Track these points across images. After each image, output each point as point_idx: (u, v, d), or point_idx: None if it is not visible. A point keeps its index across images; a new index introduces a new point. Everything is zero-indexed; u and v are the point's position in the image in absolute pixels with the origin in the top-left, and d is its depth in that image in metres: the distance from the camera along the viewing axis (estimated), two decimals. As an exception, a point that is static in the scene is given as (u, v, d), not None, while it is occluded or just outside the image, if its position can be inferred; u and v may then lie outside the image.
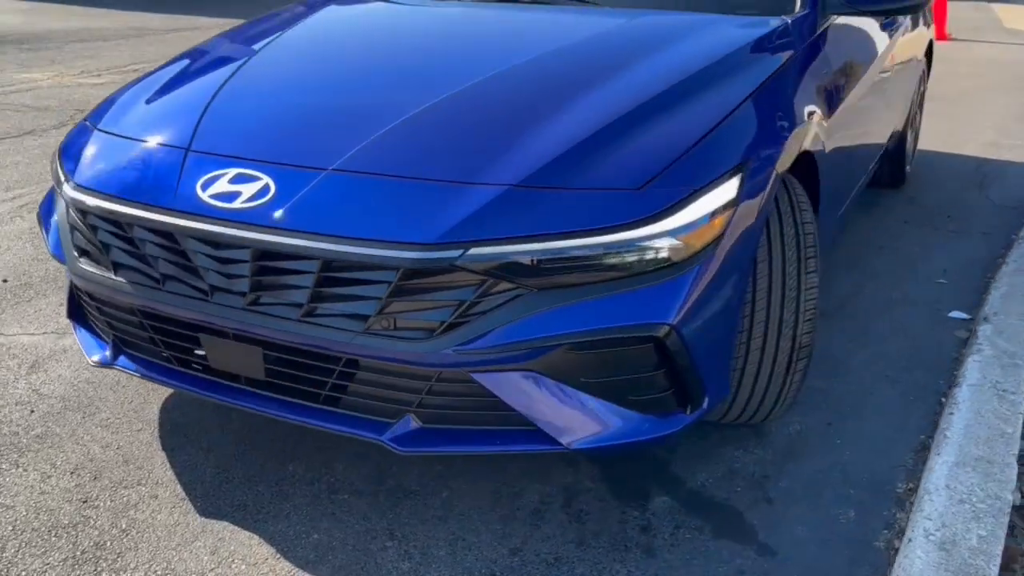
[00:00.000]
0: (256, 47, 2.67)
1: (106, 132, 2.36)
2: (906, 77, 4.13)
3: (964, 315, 3.29)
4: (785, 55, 2.47)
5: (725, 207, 1.98)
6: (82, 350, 2.46)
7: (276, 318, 1.95)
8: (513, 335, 1.84)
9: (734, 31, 2.53)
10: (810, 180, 2.57)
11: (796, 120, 2.32)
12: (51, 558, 2.03)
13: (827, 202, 2.73)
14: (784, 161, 2.19)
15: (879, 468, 2.36)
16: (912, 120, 4.68)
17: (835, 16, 2.86)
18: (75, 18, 12.28)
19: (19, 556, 2.02)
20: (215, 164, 2.08)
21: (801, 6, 2.72)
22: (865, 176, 3.66)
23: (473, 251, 1.81)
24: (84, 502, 2.23)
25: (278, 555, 2.05)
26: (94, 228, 2.19)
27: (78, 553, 2.05)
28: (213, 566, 2.01)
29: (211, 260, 2.00)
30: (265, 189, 1.98)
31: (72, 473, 2.34)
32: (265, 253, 1.93)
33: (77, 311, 2.46)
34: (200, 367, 2.19)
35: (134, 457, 2.41)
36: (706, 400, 2.08)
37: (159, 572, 2.00)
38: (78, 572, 1.99)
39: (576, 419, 1.94)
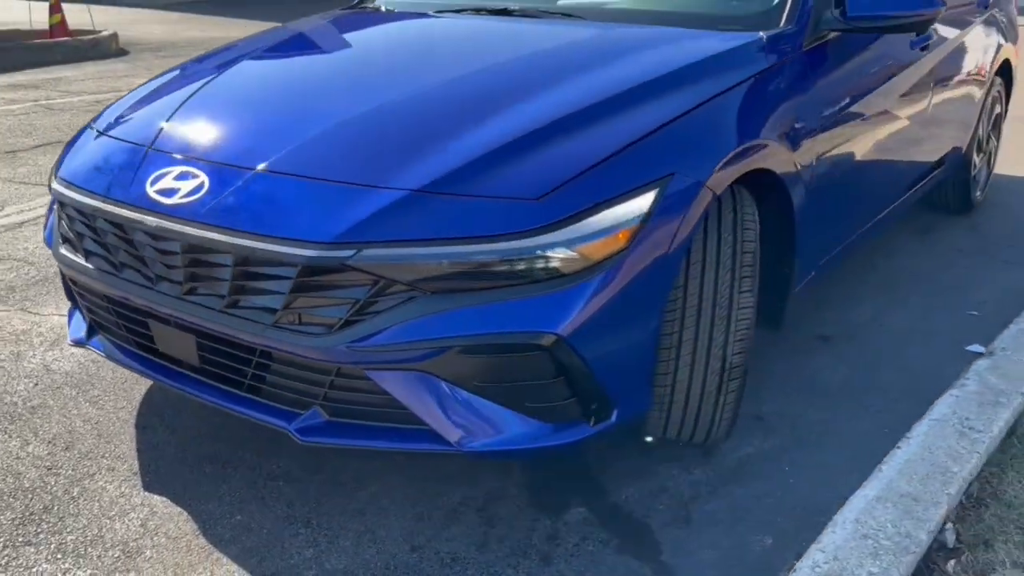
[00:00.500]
0: (232, 61, 2.82)
1: (96, 131, 2.55)
2: (961, 97, 3.94)
3: (982, 349, 3.12)
4: (747, 71, 2.42)
5: (633, 221, 1.98)
6: (68, 330, 2.65)
7: (204, 308, 2.07)
8: (405, 335, 1.90)
9: (696, 46, 2.50)
10: (783, 203, 2.52)
11: (746, 139, 2.28)
12: (2, 517, 2.21)
13: (809, 227, 2.65)
14: (721, 180, 2.16)
15: (819, 499, 2.28)
16: (979, 143, 4.44)
17: (832, 33, 2.77)
18: (215, 28, 13.06)
19: (-26, 512, 2.23)
20: (165, 162, 2.23)
21: (786, 22, 2.65)
22: (893, 204, 3.51)
23: (366, 252, 1.88)
24: (49, 469, 2.42)
25: (199, 532, 2.17)
26: (71, 218, 2.38)
27: (27, 514, 2.23)
28: (138, 536, 2.15)
29: (154, 251, 2.14)
30: (200, 186, 2.11)
31: (49, 442, 2.54)
32: (192, 246, 2.05)
33: (71, 294, 2.66)
34: (152, 351, 2.34)
35: (107, 432, 2.59)
36: (615, 413, 2.08)
37: (90, 537, 2.15)
38: (22, 531, 2.17)
39: (469, 422, 1.98)
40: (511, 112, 2.17)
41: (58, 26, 10.59)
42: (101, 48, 10.26)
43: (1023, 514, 2.21)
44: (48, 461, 2.45)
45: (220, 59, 2.86)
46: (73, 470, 2.41)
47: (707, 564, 2.05)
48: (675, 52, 2.47)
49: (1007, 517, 2.19)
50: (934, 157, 3.83)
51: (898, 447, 2.30)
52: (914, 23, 2.74)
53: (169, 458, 2.48)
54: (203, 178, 2.13)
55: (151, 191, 2.16)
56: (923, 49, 3.36)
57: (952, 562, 2.02)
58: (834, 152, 2.76)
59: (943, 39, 3.59)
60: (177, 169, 2.19)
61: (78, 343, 2.53)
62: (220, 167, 2.14)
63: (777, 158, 2.43)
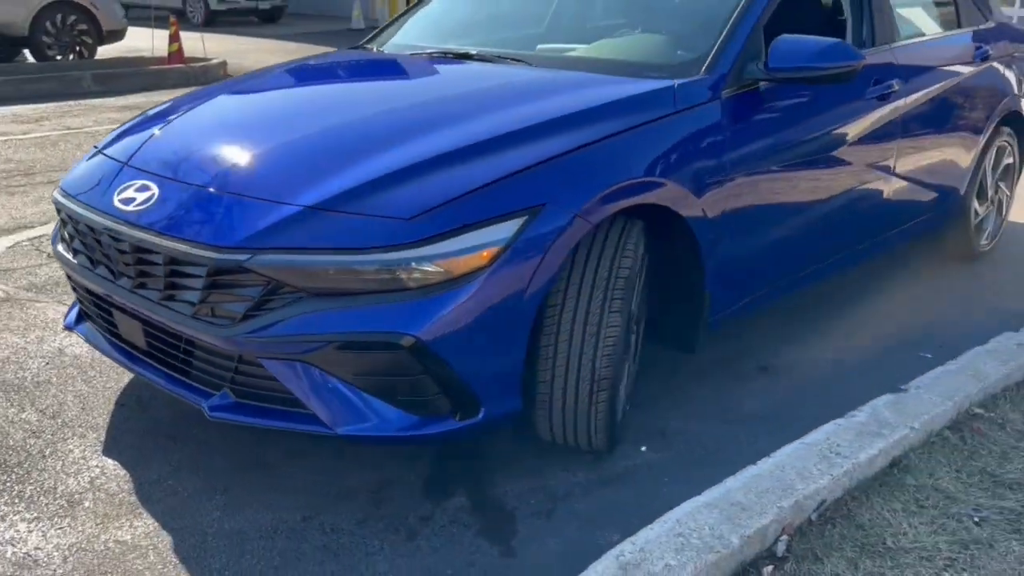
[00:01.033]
0: (213, 92, 3.24)
1: (97, 149, 3.00)
2: (946, 146, 4.03)
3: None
4: (648, 115, 2.67)
5: (499, 243, 2.26)
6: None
7: (147, 300, 2.46)
8: (291, 330, 2.23)
9: (605, 91, 2.76)
10: (689, 239, 2.74)
11: (632, 176, 2.53)
12: (-17, 467, 2.65)
13: (724, 264, 2.86)
14: (598, 212, 2.42)
15: (684, 507, 2.49)
16: (983, 192, 4.48)
17: (764, 83, 2.97)
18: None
19: (-40, 461, 2.67)
20: (133, 176, 2.64)
21: (705, 72, 2.88)
22: (852, 247, 3.64)
23: (259, 257, 2.23)
24: (33, 432, 2.84)
25: (133, 491, 2.54)
26: (64, 222, 2.82)
27: (3, 466, 2.65)
28: (83, 491, 2.54)
29: (115, 251, 2.54)
30: (151, 197, 2.51)
31: (40, 411, 2.97)
32: (137, 247, 2.45)
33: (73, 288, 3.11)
34: (117, 336, 2.74)
35: (90, 406, 3.01)
36: (483, 412, 2.36)
37: (45, 488, 2.55)
38: (-5, 479, 2.60)
39: (343, 408, 2.30)
40: (411, 143, 2.48)
41: (175, 54, 11.50)
42: (209, 75, 11.09)
43: (868, 535, 2.37)
44: (35, 426, 2.88)
45: (207, 92, 3.29)
46: (52, 435, 2.83)
47: (549, 551, 2.29)
48: (582, 95, 2.74)
49: (850, 536, 2.35)
50: (909, 204, 3.93)
51: (755, 464, 2.48)
52: (834, 75, 2.92)
53: (134, 431, 2.87)
54: (155, 190, 2.52)
55: (116, 200, 2.57)
56: (882, 98, 3.51)
57: (771, 568, 2.21)
58: (757, 195, 2.96)
59: (915, 89, 3.71)
60: (139, 182, 2.59)
61: (68, 328, 2.97)
62: (170, 182, 2.53)
63: (676, 197, 2.66)
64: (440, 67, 3.25)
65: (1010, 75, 4.47)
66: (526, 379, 2.44)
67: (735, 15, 3.01)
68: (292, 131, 2.68)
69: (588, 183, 2.44)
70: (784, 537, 2.29)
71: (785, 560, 2.25)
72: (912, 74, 3.72)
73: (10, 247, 4.60)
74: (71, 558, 2.26)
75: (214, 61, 11.59)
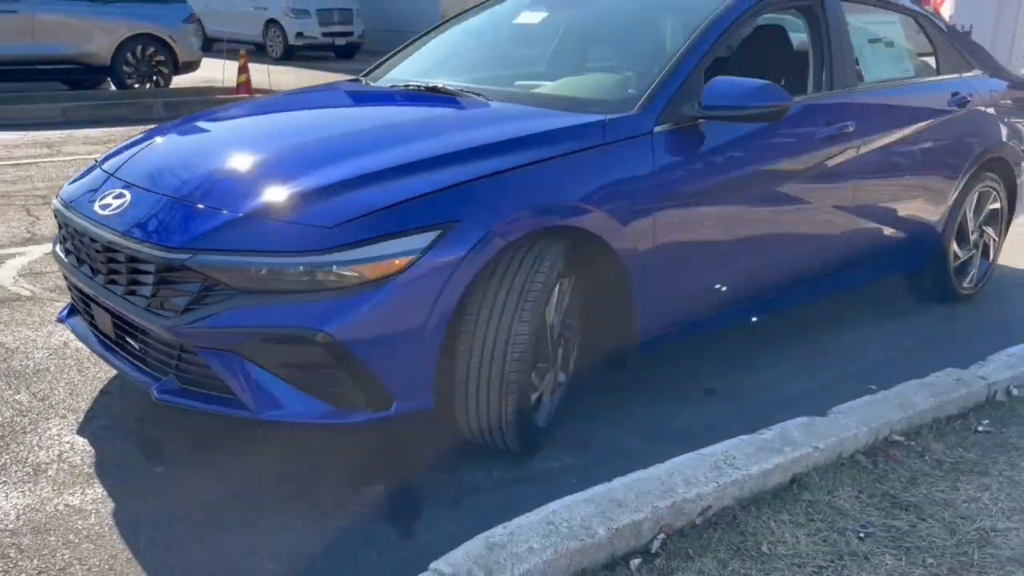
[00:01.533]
0: (199, 117, 3.60)
1: (96, 163, 3.36)
2: (915, 188, 4.15)
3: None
4: (573, 146, 2.90)
5: (412, 252, 2.52)
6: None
7: (115, 295, 2.78)
8: (221, 322, 2.52)
9: (538, 123, 3.01)
10: (616, 263, 2.96)
11: (550, 200, 2.77)
12: (-29, 437, 3.00)
13: (653, 290, 3.07)
14: (512, 230, 2.66)
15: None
16: (960, 236, 4.56)
17: (704, 121, 3.18)
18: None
19: (-49, 431, 3.02)
20: (114, 185, 2.98)
21: (639, 108, 3.11)
22: (805, 282, 3.79)
23: (198, 257, 2.53)
24: (21, 412, 3.19)
25: (92, 463, 2.85)
26: (60, 225, 3.18)
27: (-12, 438, 3.00)
28: (49, 462, 2.85)
29: (93, 250, 2.88)
30: (124, 203, 2.84)
31: (33, 394, 3.32)
32: (107, 247, 2.77)
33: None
34: (95, 327, 3.07)
35: (78, 392, 3.34)
36: (395, 406, 2.60)
37: (18, 459, 2.87)
38: (-21, 448, 2.94)
39: (266, 395, 2.57)
40: (349, 162, 2.77)
41: (243, 84, 12.14)
42: (272, 105, 11.65)
43: (747, 541, 2.52)
44: (25, 407, 3.22)
45: (197, 116, 3.64)
46: (37, 415, 3.17)
47: (444, 536, 2.50)
48: (515, 126, 2.99)
49: (728, 540, 2.51)
50: (872, 243, 4.06)
51: (647, 468, 2.66)
52: (765, 114, 3.12)
53: (110, 415, 3.19)
54: (128, 197, 2.85)
55: (97, 206, 2.91)
56: (835, 138, 3.67)
57: (639, 561, 2.38)
58: (690, 227, 3.16)
59: (876, 131, 3.86)
60: (117, 191, 2.92)
61: (60, 320, 3.32)
62: (140, 190, 2.86)
63: (600, 224, 2.88)
64: (403, 98, 3.56)
65: (993, 122, 4.57)
66: (445, 379, 2.68)
67: (675, 59, 3.23)
68: (249, 150, 2.99)
69: (504, 204, 2.68)
70: (661, 536, 2.47)
71: (656, 556, 2.42)
72: (873, 117, 3.87)
73: (47, 253, 5.04)
74: (23, 516, 2.56)
75: (277, 92, 12.18)
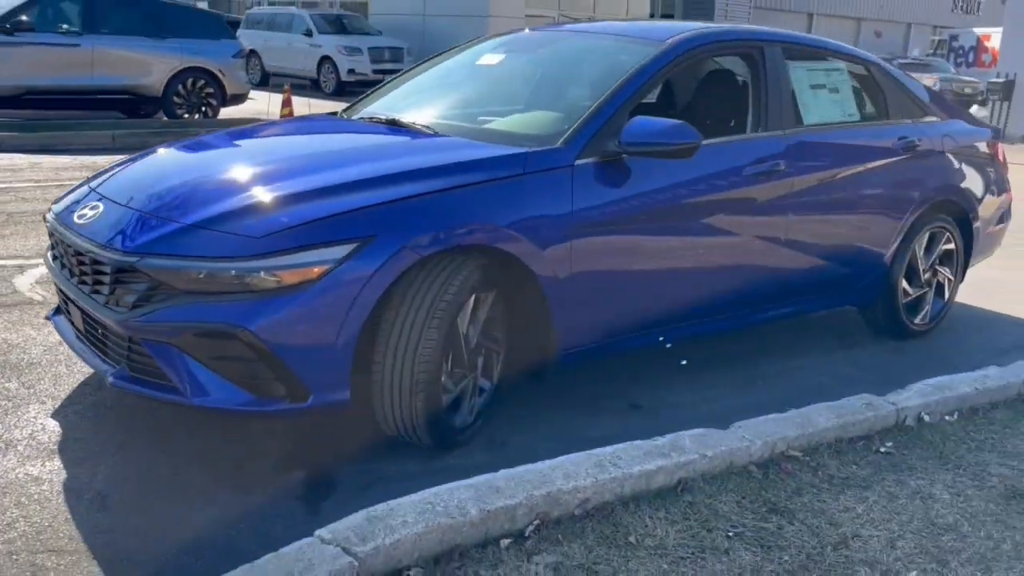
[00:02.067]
0: (180, 143, 4.02)
1: (85, 180, 3.78)
2: (856, 226, 4.39)
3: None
4: (493, 174, 3.24)
5: (329, 263, 2.86)
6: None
7: (83, 293, 3.17)
8: (161, 318, 2.89)
9: (463, 153, 3.36)
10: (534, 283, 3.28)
11: (465, 222, 3.10)
12: (-41, 416, 3.41)
13: (571, 310, 3.38)
14: (425, 246, 2.99)
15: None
16: (910, 274, 4.77)
17: (628, 156, 3.49)
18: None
19: (-58, 409, 3.43)
20: (93, 198, 3.39)
21: (562, 143, 3.43)
22: (732, 311, 4.05)
23: (146, 260, 2.90)
24: (6, 397, 3.59)
25: (57, 442, 3.22)
26: (50, 234, 3.60)
27: (-26, 418, 3.40)
28: (21, 439, 3.24)
29: (69, 255, 3.28)
30: (96, 214, 3.24)
31: (21, 383, 3.72)
32: (77, 251, 3.18)
33: (64, 288, 3.88)
34: (72, 324, 3.47)
35: (62, 383, 3.74)
36: (311, 399, 2.94)
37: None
38: (-36, 426, 3.34)
39: (196, 383, 2.92)
40: (288, 183, 3.14)
41: (287, 116, 12.73)
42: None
43: (617, 531, 2.79)
44: (12, 393, 3.63)
45: (179, 142, 4.07)
46: (21, 400, 3.57)
47: (346, 514, 2.81)
48: (444, 155, 3.35)
49: (600, 530, 2.78)
50: (809, 276, 4.29)
51: (535, 463, 2.94)
52: (677, 150, 3.42)
53: (85, 403, 3.57)
54: (100, 209, 3.25)
55: (75, 216, 3.32)
56: (765, 175, 3.94)
57: (508, 541, 2.67)
58: (609, 254, 3.46)
59: (811, 170, 4.12)
60: (93, 203, 3.33)
61: (47, 319, 3.73)
62: (111, 203, 3.26)
63: (517, 246, 3.19)
64: (362, 129, 3.93)
65: (946, 166, 4.78)
66: (364, 377, 3.01)
67: (600, 100, 3.56)
68: (206, 171, 3.40)
69: (420, 223, 3.02)
70: (536, 522, 2.75)
71: (527, 539, 2.70)
72: (808, 157, 4.13)
73: (65, 265, 5.50)
74: (-14, 481, 2.95)
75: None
